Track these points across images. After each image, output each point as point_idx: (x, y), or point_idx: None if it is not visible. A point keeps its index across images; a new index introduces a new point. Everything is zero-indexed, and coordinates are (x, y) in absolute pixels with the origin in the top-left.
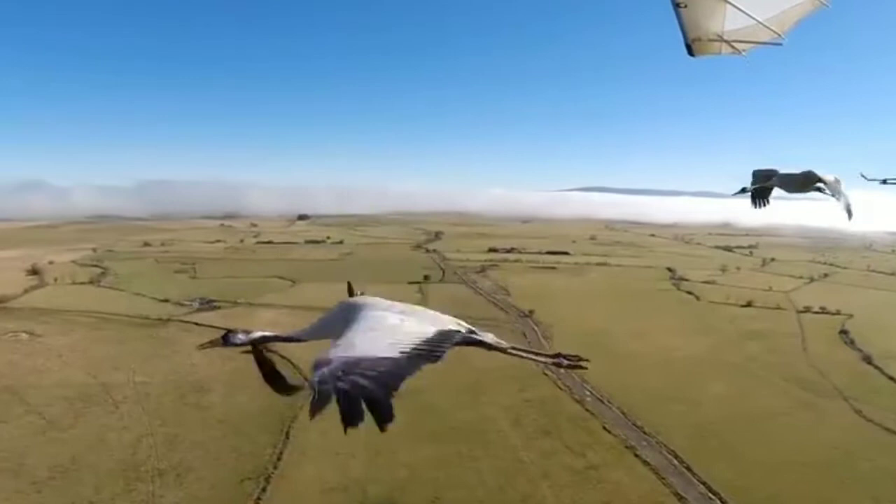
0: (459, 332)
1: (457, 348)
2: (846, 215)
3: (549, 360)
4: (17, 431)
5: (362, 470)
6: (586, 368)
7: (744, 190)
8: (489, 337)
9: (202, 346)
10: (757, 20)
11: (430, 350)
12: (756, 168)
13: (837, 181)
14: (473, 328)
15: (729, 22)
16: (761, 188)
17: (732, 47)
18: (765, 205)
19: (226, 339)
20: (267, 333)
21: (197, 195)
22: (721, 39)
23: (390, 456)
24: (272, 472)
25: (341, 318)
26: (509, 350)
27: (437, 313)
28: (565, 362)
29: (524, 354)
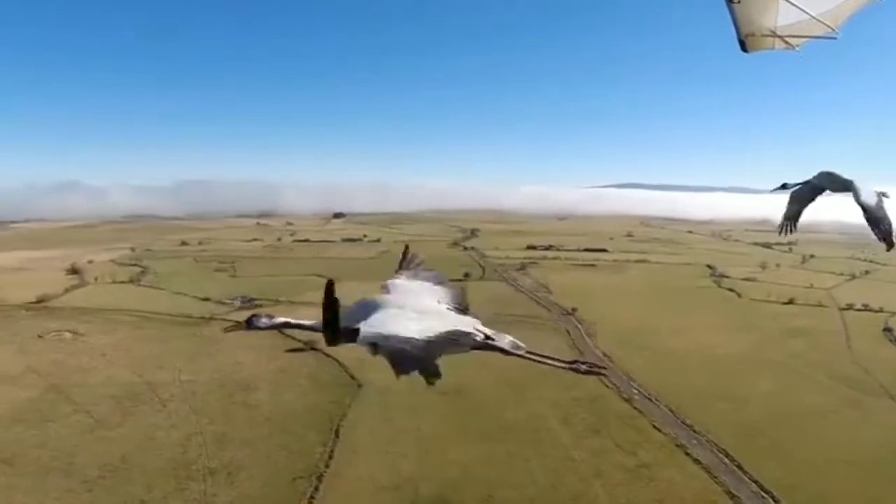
0: (475, 335)
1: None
2: (885, 244)
3: (567, 366)
4: (65, 430)
5: (414, 468)
6: (604, 374)
7: (784, 186)
8: (506, 342)
9: (227, 329)
10: (810, 15)
11: (454, 338)
12: (789, 182)
13: (881, 201)
14: (491, 333)
15: (782, 17)
16: (796, 213)
17: (786, 42)
18: (793, 230)
19: (249, 323)
20: (290, 320)
21: (232, 194)
22: (774, 35)
23: (441, 454)
24: (324, 471)
25: (363, 314)
26: (526, 356)
27: (456, 314)
28: (583, 368)
29: (541, 360)
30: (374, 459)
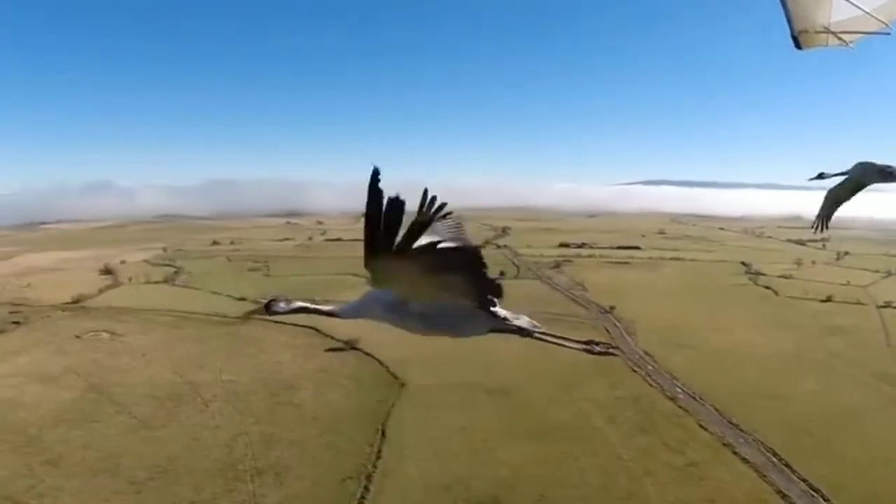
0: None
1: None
2: None
3: (581, 347)
4: (109, 431)
5: (463, 468)
6: (616, 355)
7: (821, 175)
8: (524, 321)
9: (249, 314)
10: (864, 10)
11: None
12: (827, 172)
13: None
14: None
15: (835, 13)
16: (830, 211)
17: (839, 39)
18: (826, 228)
19: (268, 308)
20: (308, 304)
21: (260, 194)
22: (828, 31)
23: (490, 454)
24: (372, 471)
25: (375, 302)
26: (542, 336)
27: None
28: (597, 349)
29: (557, 341)
30: (423, 459)
